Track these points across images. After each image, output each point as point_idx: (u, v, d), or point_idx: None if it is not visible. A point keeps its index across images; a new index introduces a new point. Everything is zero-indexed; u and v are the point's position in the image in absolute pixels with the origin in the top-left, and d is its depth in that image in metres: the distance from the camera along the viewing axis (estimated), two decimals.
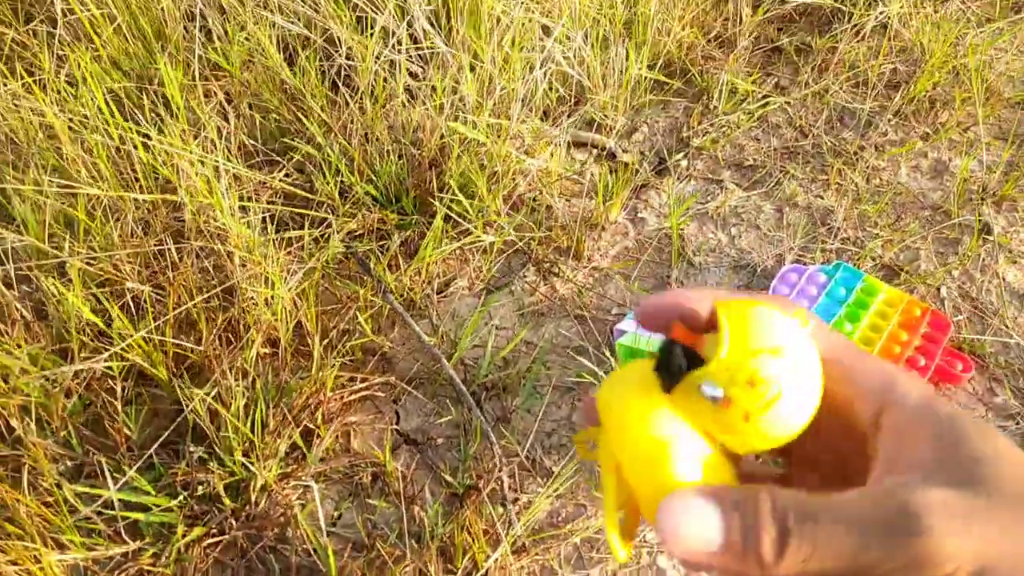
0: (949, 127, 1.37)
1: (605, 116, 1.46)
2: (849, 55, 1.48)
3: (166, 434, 0.93)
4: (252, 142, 1.37)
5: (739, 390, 0.24)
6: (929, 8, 1.56)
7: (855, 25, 1.50)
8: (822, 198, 1.28)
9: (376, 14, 1.41)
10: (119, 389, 0.93)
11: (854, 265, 1.15)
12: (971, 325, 1.09)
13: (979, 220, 1.21)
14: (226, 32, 1.43)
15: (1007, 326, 1.08)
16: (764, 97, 1.45)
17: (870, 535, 0.22)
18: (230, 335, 1.10)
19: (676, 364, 0.25)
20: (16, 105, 1.33)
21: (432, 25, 1.43)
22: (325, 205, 1.25)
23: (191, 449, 0.91)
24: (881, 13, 1.48)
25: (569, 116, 1.46)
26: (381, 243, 1.23)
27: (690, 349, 0.26)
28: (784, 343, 0.24)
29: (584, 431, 0.29)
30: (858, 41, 1.50)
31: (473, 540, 0.87)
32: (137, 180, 1.21)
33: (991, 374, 1.03)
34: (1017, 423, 0.99)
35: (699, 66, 1.53)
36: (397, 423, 1.04)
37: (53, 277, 1.06)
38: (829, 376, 0.26)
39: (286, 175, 1.32)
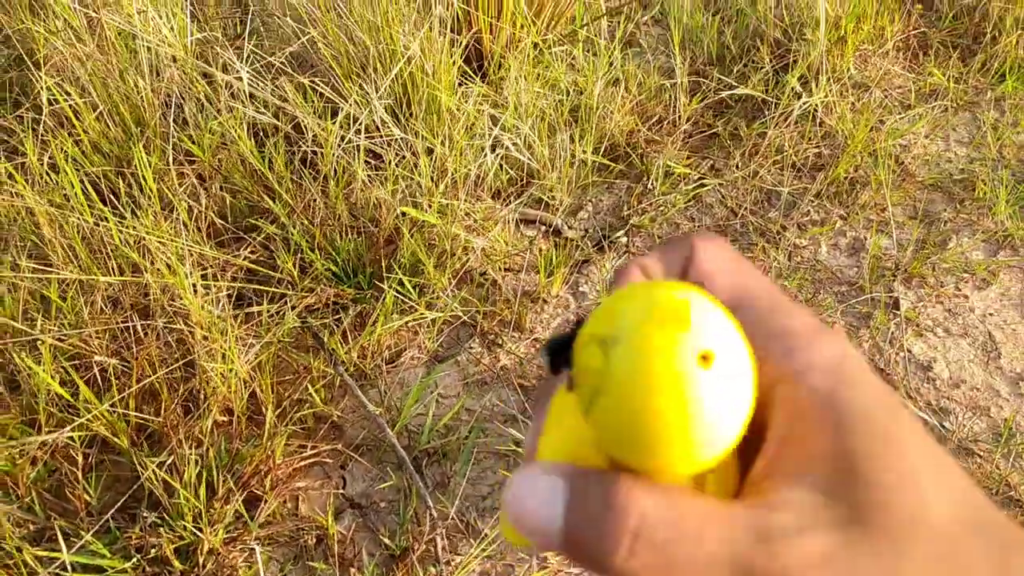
0: (867, 207, 1.49)
1: (552, 196, 1.57)
2: (777, 140, 1.61)
3: (123, 499, 1.00)
4: (222, 221, 1.46)
5: (577, 375, 0.21)
6: (852, 97, 1.70)
7: (783, 112, 1.64)
8: None
9: (341, 103, 1.53)
10: (80, 458, 1.00)
11: None
12: None
13: (888, 296, 1.31)
14: (198, 122, 1.54)
15: (910, 397, 1.18)
16: (700, 179, 1.57)
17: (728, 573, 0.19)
18: (189, 405, 1.18)
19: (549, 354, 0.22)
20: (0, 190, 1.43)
21: (391, 115, 1.55)
22: (285, 281, 1.34)
23: (145, 514, 0.98)
24: (805, 103, 1.62)
25: (518, 196, 1.58)
26: (336, 316, 1.32)
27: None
28: (622, 333, 0.20)
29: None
30: (786, 127, 1.63)
31: None
32: (108, 259, 1.30)
33: None
34: None
35: (641, 150, 1.66)
36: (343, 488, 1.11)
37: (26, 352, 1.14)
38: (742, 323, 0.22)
39: (251, 252, 1.42)
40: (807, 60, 1.71)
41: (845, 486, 0.19)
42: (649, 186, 1.57)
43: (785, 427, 0.20)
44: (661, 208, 1.54)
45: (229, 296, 1.27)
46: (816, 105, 1.64)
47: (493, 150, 1.52)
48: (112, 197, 1.46)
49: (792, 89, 1.66)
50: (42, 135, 1.55)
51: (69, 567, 0.93)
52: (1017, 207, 1.47)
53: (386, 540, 1.02)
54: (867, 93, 1.72)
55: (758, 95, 1.69)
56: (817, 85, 1.66)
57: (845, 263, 1.41)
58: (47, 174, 1.43)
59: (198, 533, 0.96)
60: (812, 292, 1.35)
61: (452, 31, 1.71)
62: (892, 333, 1.27)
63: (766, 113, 1.69)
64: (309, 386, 1.15)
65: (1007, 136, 1.63)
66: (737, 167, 1.59)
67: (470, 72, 1.77)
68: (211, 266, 1.35)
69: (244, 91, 1.54)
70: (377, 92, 1.49)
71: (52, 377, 1.08)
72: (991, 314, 1.32)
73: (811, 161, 1.59)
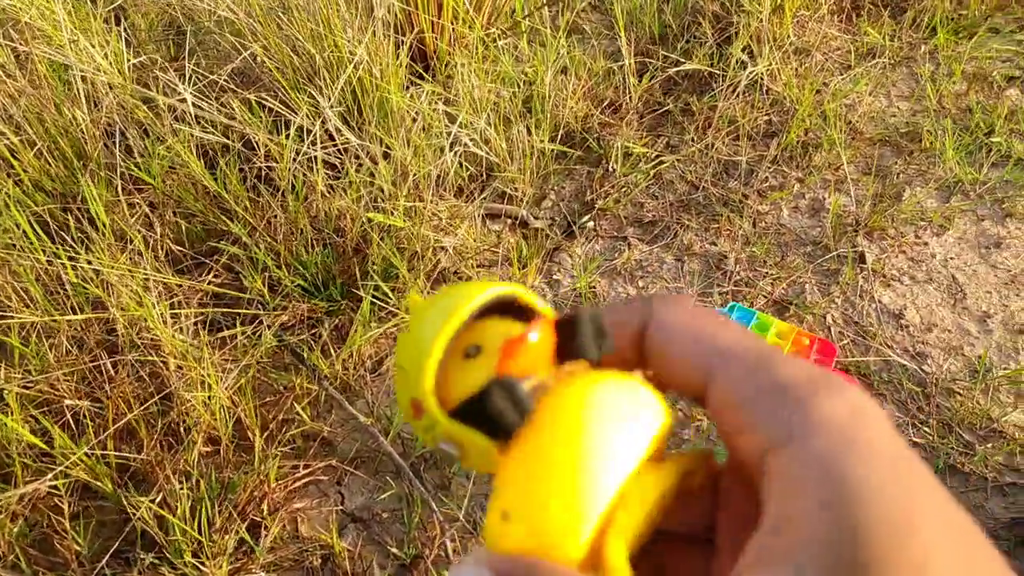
0: (821, 168, 1.52)
1: (515, 188, 1.56)
2: (728, 112, 1.63)
3: (116, 544, 0.96)
4: (179, 248, 1.42)
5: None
6: (795, 63, 1.74)
7: (730, 84, 1.66)
8: (715, 244, 1.40)
9: (291, 116, 1.50)
10: (66, 507, 0.96)
11: (748, 304, 1.26)
12: (855, 347, 1.21)
13: (853, 251, 1.34)
14: (144, 149, 1.49)
15: (887, 345, 1.20)
16: (656, 157, 1.59)
17: None
18: (171, 439, 1.14)
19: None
20: None
21: (344, 122, 1.53)
22: (255, 302, 1.31)
23: (141, 556, 0.94)
24: (752, 72, 1.65)
25: (482, 191, 1.57)
26: (312, 331, 1.29)
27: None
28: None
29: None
30: (735, 98, 1.65)
31: None
32: (68, 299, 1.25)
33: (875, 392, 1.15)
34: (904, 433, 1.10)
35: (596, 134, 1.66)
36: (342, 504, 1.09)
37: None
38: (717, 397, 0.20)
39: (215, 276, 1.38)
40: (748, 31, 1.74)
41: (843, 568, 0.16)
42: (609, 169, 1.58)
43: (779, 505, 0.18)
44: (624, 189, 1.54)
45: (201, 323, 1.23)
46: (762, 74, 1.66)
47: (451, 148, 1.51)
48: (61, 233, 1.41)
49: (737, 60, 1.68)
50: None
51: None
52: (963, 153, 1.52)
53: (395, 550, 1.01)
54: (808, 58, 1.76)
55: (704, 69, 1.71)
56: (760, 55, 1.69)
57: (808, 224, 1.43)
58: None
59: (201, 567, 0.93)
60: (780, 256, 1.37)
61: (395, 32, 1.70)
62: (861, 286, 1.30)
63: (714, 86, 1.71)
64: (295, 404, 1.13)
65: (944, 87, 1.68)
66: (692, 142, 1.61)
67: (418, 72, 1.76)
68: (176, 294, 1.31)
69: (189, 112, 1.50)
70: (328, 101, 1.47)
71: (22, 426, 1.04)
72: (951, 258, 1.36)
73: (763, 129, 1.62)
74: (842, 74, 1.74)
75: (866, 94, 1.69)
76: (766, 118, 1.63)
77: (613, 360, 0.22)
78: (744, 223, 1.43)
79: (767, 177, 1.51)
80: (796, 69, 1.73)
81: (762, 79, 1.67)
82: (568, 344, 0.21)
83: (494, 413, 0.20)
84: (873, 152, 1.56)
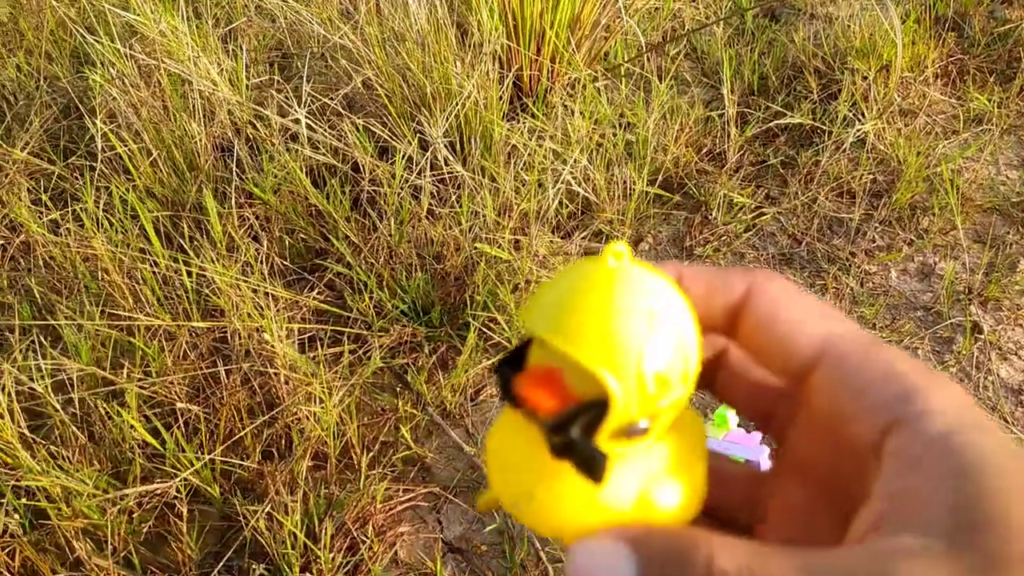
0: (931, 233, 1.49)
1: (612, 228, 1.57)
2: (832, 168, 1.62)
3: (229, 552, 0.96)
4: (282, 262, 1.45)
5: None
6: (900, 123, 1.72)
7: (835, 140, 1.65)
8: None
9: (396, 143, 1.53)
10: (184, 509, 0.97)
11: None
12: None
13: (969, 320, 1.31)
14: (257, 163, 1.53)
15: (1006, 420, 1.16)
16: (757, 208, 1.58)
17: None
18: (272, 450, 1.15)
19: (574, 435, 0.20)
20: (57, 235, 1.41)
21: (451, 151, 1.55)
22: (359, 321, 1.32)
23: (253, 566, 0.94)
24: (859, 130, 1.63)
25: (577, 229, 1.57)
26: (413, 355, 1.30)
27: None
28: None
29: (489, 495, 0.24)
30: (839, 154, 1.64)
31: None
32: (179, 304, 1.28)
33: None
34: None
35: (694, 180, 1.66)
36: (440, 532, 1.08)
37: (106, 401, 1.11)
38: (827, 378, 0.21)
39: (318, 293, 1.40)
40: (855, 88, 1.73)
41: (973, 534, 0.17)
42: (710, 217, 1.57)
43: (897, 480, 0.18)
44: (723, 238, 1.53)
45: (311, 339, 1.25)
46: (868, 132, 1.65)
47: (554, 184, 1.52)
48: (167, 242, 1.45)
49: (843, 117, 1.67)
50: (96, 181, 1.54)
51: None
52: None
53: None
54: (914, 120, 1.74)
55: (808, 123, 1.70)
56: (866, 113, 1.68)
57: (917, 288, 1.40)
58: (107, 220, 1.41)
59: None
60: (890, 318, 1.34)
61: (499, 67, 1.73)
62: (977, 358, 1.26)
63: (816, 141, 1.70)
64: (401, 427, 1.13)
65: None
66: (795, 195, 1.59)
67: (514, 107, 1.79)
68: (283, 308, 1.33)
69: (302, 132, 1.54)
70: (439, 131, 1.49)
71: (140, 426, 1.05)
72: None
73: (868, 187, 1.60)
74: (947, 138, 1.72)
75: (977, 160, 1.66)
76: (871, 176, 1.61)
77: (703, 321, 0.22)
78: (851, 282, 1.40)
79: (874, 237, 1.49)
80: (900, 130, 1.71)
81: (868, 137, 1.65)
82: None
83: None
84: (983, 220, 1.53)
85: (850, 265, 1.44)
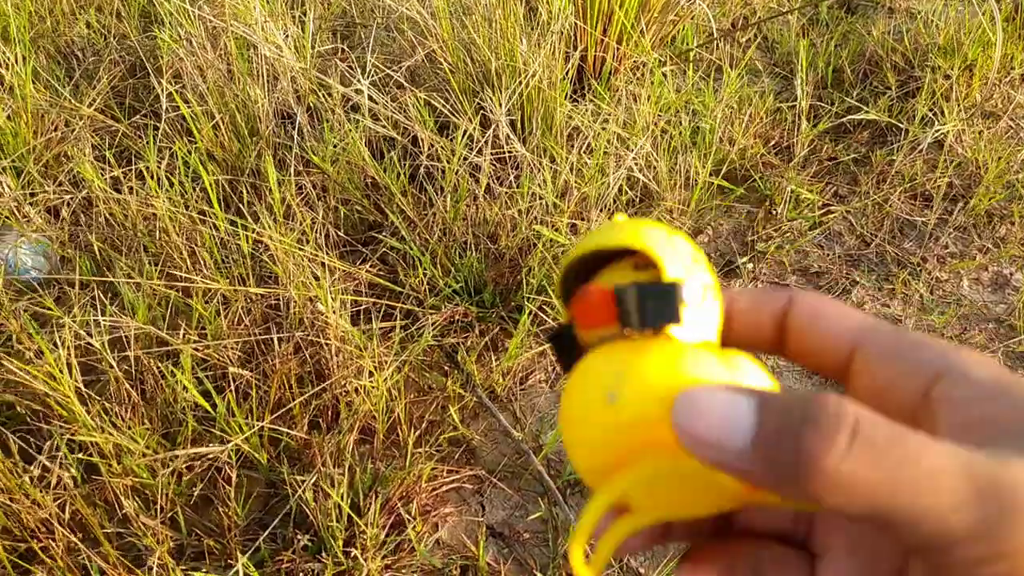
0: (1009, 242, 1.42)
1: (672, 218, 1.53)
2: (907, 169, 1.55)
3: (276, 520, 0.96)
4: (337, 232, 1.44)
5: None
6: (981, 125, 1.64)
7: (912, 140, 1.58)
8: (888, 306, 1.33)
9: (458, 119, 1.51)
10: (234, 474, 0.97)
11: None
12: None
13: None
14: (319, 132, 1.53)
15: None
16: (824, 205, 1.52)
17: (967, 494, 0.17)
18: (319, 420, 1.15)
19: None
20: (119, 193, 1.42)
21: (512, 130, 1.53)
22: (411, 298, 1.31)
23: (298, 537, 0.94)
24: (938, 130, 1.56)
25: (637, 216, 1.53)
26: (464, 335, 1.28)
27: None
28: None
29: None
30: (915, 155, 1.57)
31: None
32: (237, 269, 1.28)
33: None
34: None
35: (760, 173, 1.61)
36: (483, 516, 1.07)
37: (160, 361, 1.12)
38: (867, 356, 0.22)
39: (372, 266, 1.39)
40: (936, 86, 1.65)
41: None
42: (774, 212, 1.52)
43: (957, 416, 0.20)
44: (787, 235, 1.48)
45: (363, 312, 1.24)
46: (947, 133, 1.57)
47: (616, 169, 1.48)
48: (226, 206, 1.45)
49: (922, 116, 1.60)
50: (159, 142, 1.55)
51: None
52: None
53: (539, 574, 0.98)
54: (996, 123, 1.66)
55: (884, 120, 1.63)
56: (947, 113, 1.60)
57: (990, 299, 1.34)
58: (168, 180, 1.42)
59: (355, 558, 0.92)
60: (960, 328, 1.28)
61: (565, 46, 1.69)
62: None
63: (890, 140, 1.63)
64: (450, 407, 1.12)
65: None
66: (866, 195, 1.53)
67: (577, 89, 1.75)
68: (337, 279, 1.32)
69: (364, 103, 1.53)
70: (502, 108, 1.47)
71: (194, 388, 1.06)
72: None
73: (943, 191, 1.53)
74: None
75: None
76: (948, 180, 1.54)
77: (753, 338, 0.24)
78: (921, 288, 1.34)
79: (948, 243, 1.43)
80: (981, 132, 1.63)
81: (947, 139, 1.58)
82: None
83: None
84: None
85: (920, 271, 1.37)
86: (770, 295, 0.25)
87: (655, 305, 0.22)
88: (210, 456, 0.99)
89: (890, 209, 1.49)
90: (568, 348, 0.23)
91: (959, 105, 1.63)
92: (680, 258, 0.23)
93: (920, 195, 1.53)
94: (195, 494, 1.01)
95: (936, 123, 1.58)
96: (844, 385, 0.24)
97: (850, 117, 1.66)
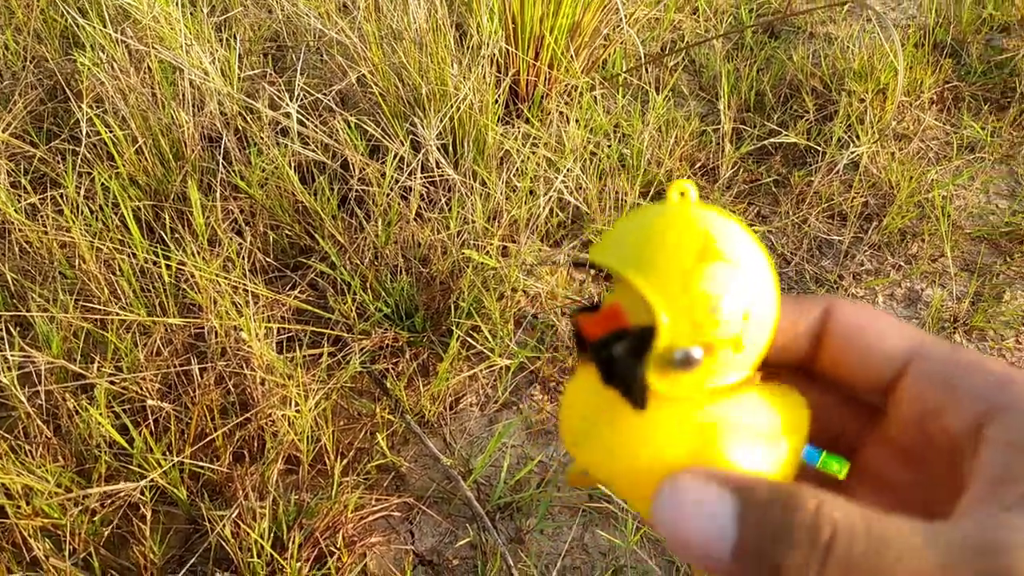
0: (920, 259, 1.48)
1: (602, 239, 1.55)
2: (824, 189, 1.61)
3: (193, 557, 0.94)
4: (265, 258, 1.42)
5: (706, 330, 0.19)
6: (894, 147, 1.72)
7: (829, 161, 1.64)
8: None
9: (388, 143, 1.51)
10: (148, 512, 0.94)
11: None
12: None
13: None
14: (245, 156, 1.51)
15: None
16: (749, 225, 1.56)
17: None
18: (243, 452, 1.12)
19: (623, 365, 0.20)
20: (34, 219, 1.38)
21: (443, 154, 1.53)
22: (340, 324, 1.30)
23: (216, 574, 0.92)
24: (854, 152, 1.63)
25: (567, 238, 1.56)
26: (393, 360, 1.28)
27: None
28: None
29: (575, 466, 0.24)
30: (832, 176, 1.63)
31: None
32: (157, 298, 1.25)
33: None
34: None
35: None
36: (411, 543, 1.06)
37: (74, 396, 1.08)
38: (917, 377, 0.21)
39: (300, 292, 1.37)
40: (851, 110, 1.72)
41: None
42: None
43: (1000, 464, 0.19)
44: None
45: (289, 339, 1.22)
46: (862, 155, 1.64)
47: (546, 192, 1.50)
48: (148, 232, 1.42)
49: (838, 138, 1.66)
50: (79, 167, 1.51)
51: None
52: None
53: None
54: (908, 144, 1.74)
55: (803, 143, 1.69)
56: (861, 135, 1.67)
57: (903, 314, 1.40)
58: (87, 207, 1.38)
59: None
60: None
61: (496, 71, 1.71)
62: None
63: (809, 161, 1.69)
64: (377, 435, 1.11)
65: None
66: (786, 214, 1.58)
67: (509, 112, 1.77)
68: (263, 306, 1.30)
69: (292, 127, 1.51)
70: (432, 132, 1.47)
71: (108, 423, 1.02)
72: None
73: (859, 210, 1.60)
74: (940, 165, 1.72)
75: (967, 188, 1.66)
76: (863, 200, 1.61)
77: (784, 350, 0.23)
78: None
79: (863, 261, 1.48)
80: (894, 154, 1.71)
81: (862, 160, 1.65)
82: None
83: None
84: (972, 248, 1.53)
85: (837, 288, 1.43)
86: (804, 303, 0.23)
87: (621, 377, 0.20)
88: (124, 493, 0.96)
89: (808, 228, 1.55)
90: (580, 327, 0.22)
91: (873, 127, 1.70)
92: (697, 295, 0.19)
93: (837, 214, 1.59)
94: (109, 533, 0.97)
95: (852, 145, 1.65)
96: (884, 405, 0.23)
97: (771, 140, 1.71)
